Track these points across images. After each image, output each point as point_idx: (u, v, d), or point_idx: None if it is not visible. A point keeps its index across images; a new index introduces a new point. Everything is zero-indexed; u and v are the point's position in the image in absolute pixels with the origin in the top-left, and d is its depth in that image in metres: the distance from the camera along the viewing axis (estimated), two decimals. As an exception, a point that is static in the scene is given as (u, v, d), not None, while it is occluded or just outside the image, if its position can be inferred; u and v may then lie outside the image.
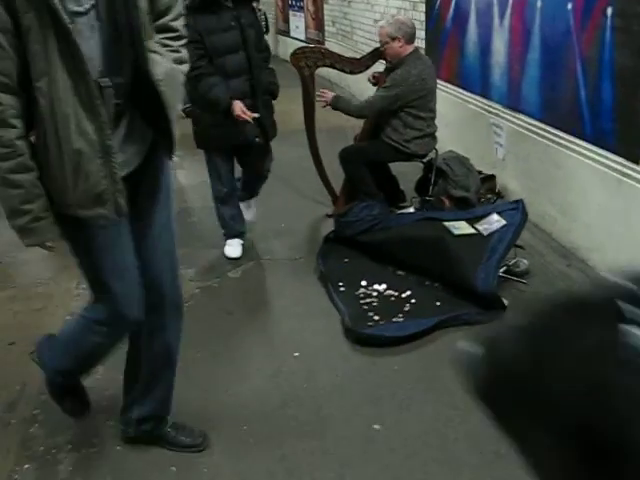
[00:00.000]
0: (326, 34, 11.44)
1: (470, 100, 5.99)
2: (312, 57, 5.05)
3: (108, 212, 2.14)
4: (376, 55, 5.05)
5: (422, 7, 6.96)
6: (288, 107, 10.08)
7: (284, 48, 14.29)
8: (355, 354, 3.48)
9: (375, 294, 4.04)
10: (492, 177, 5.42)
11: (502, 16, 5.22)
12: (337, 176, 5.29)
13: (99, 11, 2.01)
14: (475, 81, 5.84)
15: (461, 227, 4.15)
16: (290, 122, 8.71)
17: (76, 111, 2.00)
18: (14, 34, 1.93)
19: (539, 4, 4.68)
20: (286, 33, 13.98)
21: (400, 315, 3.77)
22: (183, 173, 6.53)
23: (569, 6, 4.32)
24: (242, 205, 4.62)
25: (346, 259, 4.42)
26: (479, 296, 3.79)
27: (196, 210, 5.61)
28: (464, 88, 6.08)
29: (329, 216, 5.27)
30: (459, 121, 6.03)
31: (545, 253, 4.57)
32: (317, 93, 5.08)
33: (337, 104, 4.93)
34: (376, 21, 8.62)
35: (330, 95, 4.96)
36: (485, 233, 4.07)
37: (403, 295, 4.01)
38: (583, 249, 4.49)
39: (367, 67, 5.14)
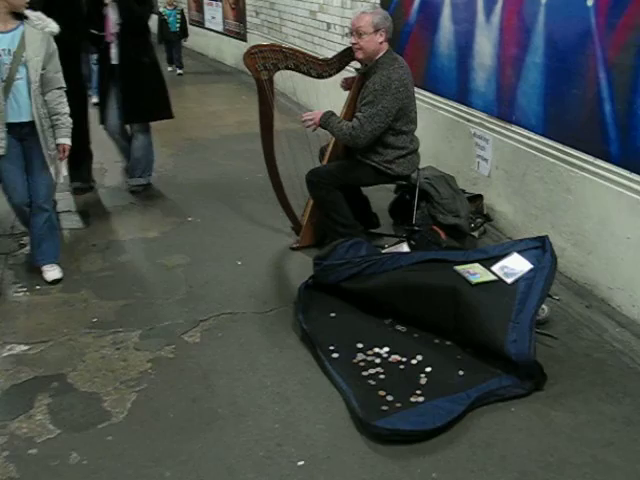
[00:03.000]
0: (248, 25, 10.49)
1: (443, 106, 5.25)
2: (272, 58, 4.13)
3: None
4: (348, 55, 4.20)
5: (375, -2, 6.16)
6: (218, 108, 9.23)
7: (198, 40, 13.23)
8: (376, 457, 2.66)
9: (378, 361, 3.23)
10: (479, 197, 4.70)
11: (489, 11, 4.48)
12: (298, 194, 4.43)
13: None
14: (449, 85, 5.10)
15: (478, 272, 3.39)
16: (227, 126, 7.89)
17: None
18: None
19: (544, -1, 3.97)
20: (200, 24, 12.91)
21: (418, 392, 2.97)
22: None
23: (589, 2, 3.61)
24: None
25: (332, 313, 3.57)
26: (512, 363, 3.05)
27: (127, 243, 4.63)
28: (434, 92, 5.33)
29: (294, 249, 4.42)
30: (429, 130, 5.27)
31: (557, 291, 3.88)
32: (302, 119, 4.18)
33: (328, 121, 4.07)
34: (313, 12, 7.79)
35: (318, 114, 4.11)
36: (509, 280, 3.33)
37: (413, 361, 3.22)
38: (603, 287, 3.83)
39: (338, 70, 4.27)
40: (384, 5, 5.95)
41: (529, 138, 4.28)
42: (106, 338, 3.48)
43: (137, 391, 3.05)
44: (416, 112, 4.16)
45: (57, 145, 3.85)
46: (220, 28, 11.84)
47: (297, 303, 3.64)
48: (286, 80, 4.23)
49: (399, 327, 3.49)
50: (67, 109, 3.85)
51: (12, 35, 3.61)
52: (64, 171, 4.07)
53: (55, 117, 3.80)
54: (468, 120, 4.91)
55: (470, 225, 4.43)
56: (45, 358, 3.30)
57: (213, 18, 12.13)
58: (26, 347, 3.39)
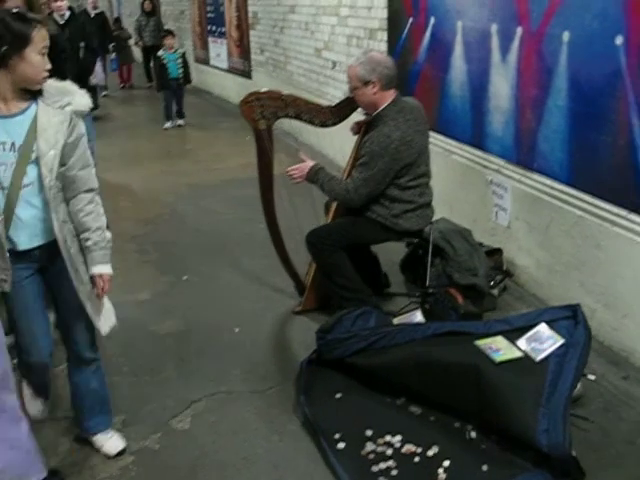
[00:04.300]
0: (253, 63, 10.23)
1: (456, 151, 4.88)
2: (270, 106, 3.77)
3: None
4: (354, 102, 3.83)
5: (382, 35, 5.84)
6: (221, 150, 8.88)
7: (203, 77, 13.03)
8: None
9: (390, 452, 2.83)
10: (498, 251, 4.30)
11: (505, 50, 4.13)
12: (301, 250, 4.06)
13: None
14: (463, 128, 4.74)
15: (501, 347, 2.99)
16: (229, 169, 7.55)
17: None
18: None
19: (566, 37, 3.60)
20: (205, 62, 12.69)
21: (436, 493, 2.57)
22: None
23: (618, 40, 3.25)
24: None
25: (338, 394, 3.18)
26: (543, 455, 2.65)
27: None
28: (446, 135, 4.97)
29: (297, 313, 4.04)
30: (442, 176, 4.88)
31: (588, 358, 3.46)
32: (288, 173, 3.83)
33: (316, 177, 3.72)
34: (318, 50, 7.49)
35: (305, 167, 3.76)
36: (537, 358, 2.92)
37: (430, 452, 2.82)
38: (641, 354, 3.43)
39: (343, 118, 3.88)
40: (391, 43, 5.64)
41: (552, 187, 3.90)
42: (85, 425, 3.10)
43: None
44: (427, 164, 3.77)
45: (91, 277, 2.61)
46: (225, 65, 11.60)
47: (299, 381, 3.25)
48: (293, 119, 3.86)
49: (413, 408, 3.09)
50: (103, 220, 2.63)
51: (19, 121, 2.40)
52: (112, 317, 2.82)
53: (85, 235, 2.56)
54: (484, 166, 4.54)
55: (489, 283, 4.03)
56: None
57: (218, 55, 11.91)
58: None
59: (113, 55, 13.22)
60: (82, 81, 5.71)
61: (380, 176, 3.52)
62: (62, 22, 6.26)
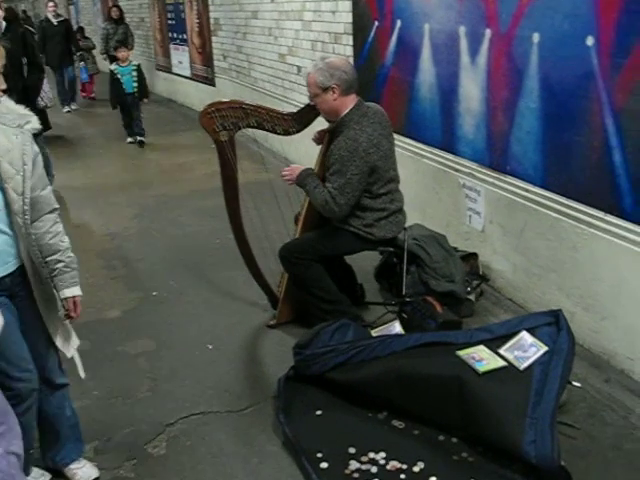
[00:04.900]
0: (216, 70, 10.10)
1: (427, 155, 4.82)
2: (231, 116, 3.66)
3: None
4: (315, 109, 3.74)
5: (347, 39, 5.77)
6: (186, 159, 8.68)
7: (166, 85, 12.86)
8: None
9: (375, 470, 2.74)
10: (473, 255, 4.25)
11: (475, 52, 4.08)
12: (271, 261, 3.96)
13: None
14: (434, 132, 4.68)
15: (484, 357, 2.92)
16: (195, 179, 7.38)
17: None
18: None
19: (536, 38, 3.56)
20: (167, 69, 12.52)
21: (424, 512, 2.49)
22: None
23: (589, 41, 3.21)
24: None
25: (318, 411, 3.08)
26: (532, 467, 2.59)
27: (84, 326, 4.12)
28: (416, 139, 4.91)
29: (271, 327, 3.94)
30: (413, 180, 4.84)
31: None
32: (282, 173, 3.74)
33: (305, 181, 3.62)
34: (282, 55, 7.40)
35: (296, 169, 3.67)
36: (521, 366, 2.86)
37: (415, 469, 2.74)
38: (622, 357, 3.39)
39: (306, 125, 3.79)
40: (357, 47, 5.57)
41: (527, 190, 3.85)
42: (54, 454, 2.96)
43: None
44: (395, 169, 3.69)
45: (62, 300, 2.51)
46: (188, 73, 11.44)
47: (277, 399, 3.15)
48: (255, 129, 3.77)
49: (396, 423, 3.01)
50: (67, 241, 2.51)
51: None
52: (75, 338, 2.67)
53: (55, 257, 2.44)
54: (456, 170, 4.48)
55: (466, 288, 3.97)
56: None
57: (180, 63, 11.74)
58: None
59: (82, 64, 12.66)
60: (29, 102, 5.35)
61: (355, 181, 3.43)
62: None
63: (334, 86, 3.46)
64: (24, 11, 23.89)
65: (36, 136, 2.43)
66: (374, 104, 3.76)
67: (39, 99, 6.01)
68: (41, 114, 5.98)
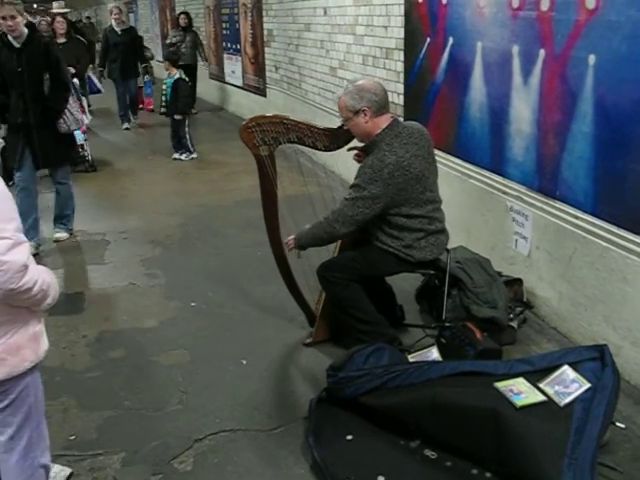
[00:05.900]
0: (267, 80, 10.13)
1: (474, 175, 4.71)
2: (272, 131, 3.62)
3: None
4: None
5: (398, 55, 5.70)
6: (233, 169, 8.66)
7: (218, 94, 12.97)
8: None
9: (404, 502, 2.65)
10: (517, 281, 4.12)
11: (528, 72, 3.97)
12: (311, 278, 3.90)
13: None
14: (482, 153, 4.57)
15: (523, 391, 2.81)
16: (242, 189, 7.37)
17: None
18: None
19: (592, 60, 3.44)
20: (220, 78, 12.62)
21: None
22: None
23: (649, 64, 3.09)
24: None
25: (349, 435, 3.00)
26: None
27: (121, 334, 4.13)
28: (464, 159, 4.81)
29: (307, 345, 3.87)
30: (459, 201, 4.74)
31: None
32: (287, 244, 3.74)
33: (300, 236, 3.64)
34: (333, 69, 7.37)
35: (291, 239, 3.69)
36: (561, 402, 2.74)
37: (447, 503, 2.64)
38: (671, 396, 3.23)
39: (347, 141, 3.74)
40: (408, 63, 5.50)
41: (576, 217, 3.72)
42: (82, 464, 2.95)
43: None
44: (434, 190, 3.58)
45: None
46: (240, 83, 11.52)
47: (308, 421, 3.08)
48: (295, 144, 3.74)
49: (428, 452, 2.91)
50: None
51: None
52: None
53: None
54: (504, 192, 4.36)
55: (509, 315, 3.85)
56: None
57: (233, 72, 11.83)
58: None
59: (146, 78, 12.06)
60: (48, 125, 5.27)
61: (370, 200, 3.35)
62: (18, 46, 5.07)
63: (365, 108, 3.41)
64: (88, 17, 24.35)
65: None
66: (414, 123, 3.68)
67: (61, 122, 5.33)
68: (65, 139, 5.51)
